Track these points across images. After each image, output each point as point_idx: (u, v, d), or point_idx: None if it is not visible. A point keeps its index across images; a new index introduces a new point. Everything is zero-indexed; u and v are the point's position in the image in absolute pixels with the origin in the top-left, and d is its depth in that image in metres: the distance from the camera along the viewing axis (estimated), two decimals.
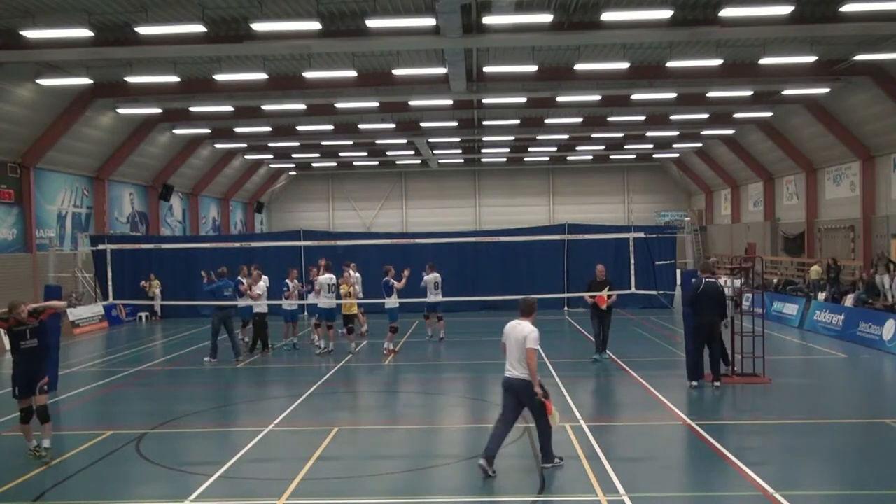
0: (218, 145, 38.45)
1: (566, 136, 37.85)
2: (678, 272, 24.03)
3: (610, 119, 32.65)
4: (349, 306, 17.19)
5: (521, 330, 8.55)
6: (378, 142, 38.23)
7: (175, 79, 23.44)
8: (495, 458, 8.37)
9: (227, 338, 16.80)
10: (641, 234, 17.86)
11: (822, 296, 23.50)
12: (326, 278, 17.21)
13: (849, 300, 21.64)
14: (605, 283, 15.51)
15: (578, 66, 23.16)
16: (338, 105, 27.97)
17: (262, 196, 51.61)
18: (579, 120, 32.85)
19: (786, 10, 17.53)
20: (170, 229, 38.42)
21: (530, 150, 43.34)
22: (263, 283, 17.61)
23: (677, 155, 46.46)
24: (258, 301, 17.20)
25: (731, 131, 36.55)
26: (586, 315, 23.41)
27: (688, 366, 13.19)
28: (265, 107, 28.18)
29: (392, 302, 17.02)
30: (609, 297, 15.35)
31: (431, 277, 18.68)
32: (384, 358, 16.83)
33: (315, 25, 17.76)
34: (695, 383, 13.00)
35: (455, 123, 33.81)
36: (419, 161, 46.05)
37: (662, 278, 24.75)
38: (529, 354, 8.33)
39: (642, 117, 32.86)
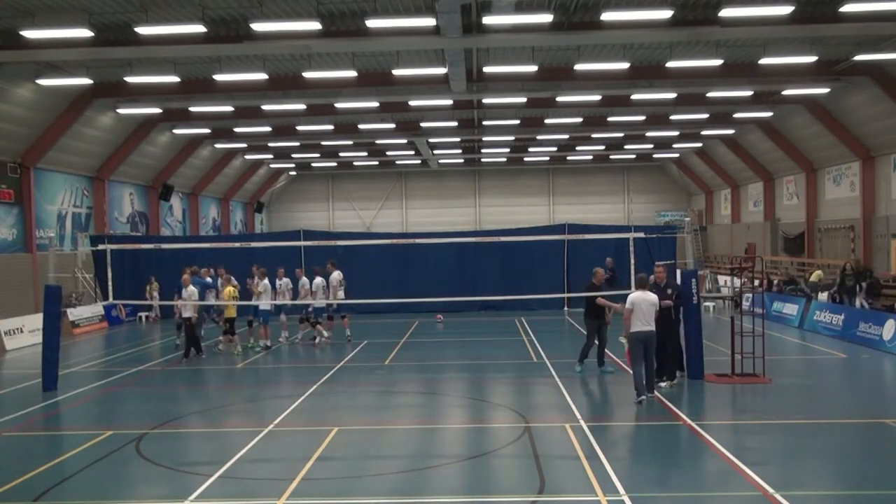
0: (218, 145, 38.45)
1: (566, 136, 37.84)
2: (678, 272, 24.02)
3: (610, 119, 32.64)
4: (230, 309, 17.40)
5: (652, 298, 11.95)
6: (378, 142, 38.23)
7: (175, 79, 23.43)
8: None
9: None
10: (641, 234, 17.85)
11: (822, 296, 23.41)
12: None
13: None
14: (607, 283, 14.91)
15: (578, 66, 23.16)
16: (338, 105, 27.96)
17: (262, 196, 51.62)
18: (579, 120, 32.84)
19: (786, 10, 17.52)
20: (170, 229, 38.42)
21: (530, 150, 43.33)
22: (194, 287, 17.19)
23: (677, 155, 46.46)
24: (191, 304, 16.86)
25: (731, 131, 36.55)
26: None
27: (670, 366, 13.13)
28: (265, 107, 28.18)
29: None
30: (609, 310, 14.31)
31: (338, 275, 18.76)
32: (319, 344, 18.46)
33: (315, 25, 17.75)
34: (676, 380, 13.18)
35: (455, 123, 33.81)
36: (419, 161, 46.04)
37: None
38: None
39: (642, 117, 32.85)
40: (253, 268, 18.51)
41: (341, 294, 18.90)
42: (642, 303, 11.85)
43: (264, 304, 17.90)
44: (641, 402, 11.68)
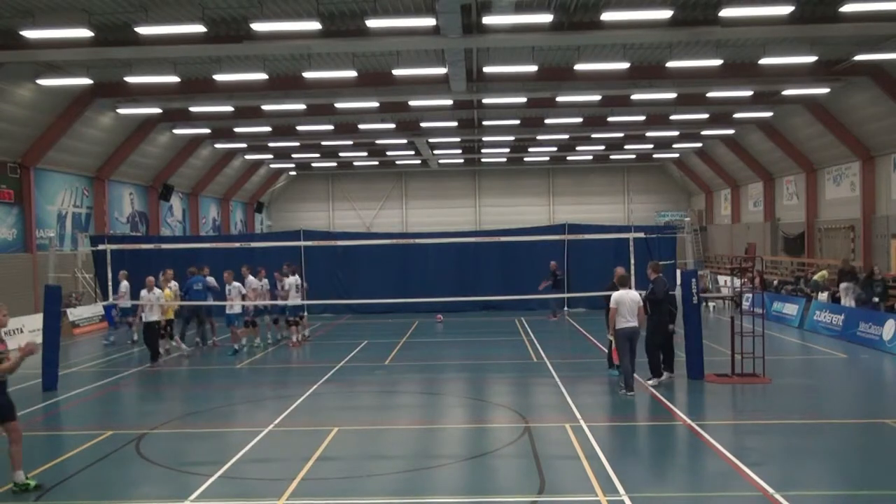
0: (218, 145, 38.44)
1: (566, 136, 37.82)
2: (678, 272, 24.02)
3: (610, 119, 32.63)
4: (167, 309, 17.33)
5: (635, 295, 12.65)
6: (378, 142, 38.22)
7: (175, 79, 23.43)
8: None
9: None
10: (641, 234, 17.82)
11: (822, 296, 23.44)
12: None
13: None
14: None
15: (578, 66, 23.15)
16: (338, 105, 27.96)
17: (262, 196, 51.62)
18: (579, 120, 32.83)
19: (786, 10, 17.52)
20: (170, 229, 38.41)
21: (530, 150, 43.33)
22: (157, 290, 16.86)
23: (677, 155, 46.45)
24: (151, 308, 16.54)
25: (731, 131, 36.54)
26: (587, 315, 23.57)
27: (668, 360, 13.43)
28: (265, 107, 28.17)
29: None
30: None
31: (294, 280, 18.79)
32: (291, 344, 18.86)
33: (315, 25, 17.75)
34: (660, 379, 13.24)
35: (455, 123, 33.80)
36: (419, 161, 46.04)
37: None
38: (641, 311, 12.52)
39: (642, 117, 32.84)
40: (242, 269, 18.51)
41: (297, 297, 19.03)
42: (625, 300, 12.44)
43: (236, 306, 17.84)
44: (627, 396, 12.29)
